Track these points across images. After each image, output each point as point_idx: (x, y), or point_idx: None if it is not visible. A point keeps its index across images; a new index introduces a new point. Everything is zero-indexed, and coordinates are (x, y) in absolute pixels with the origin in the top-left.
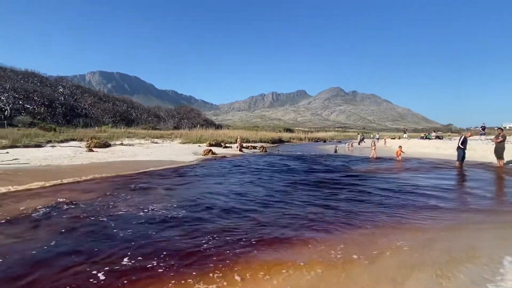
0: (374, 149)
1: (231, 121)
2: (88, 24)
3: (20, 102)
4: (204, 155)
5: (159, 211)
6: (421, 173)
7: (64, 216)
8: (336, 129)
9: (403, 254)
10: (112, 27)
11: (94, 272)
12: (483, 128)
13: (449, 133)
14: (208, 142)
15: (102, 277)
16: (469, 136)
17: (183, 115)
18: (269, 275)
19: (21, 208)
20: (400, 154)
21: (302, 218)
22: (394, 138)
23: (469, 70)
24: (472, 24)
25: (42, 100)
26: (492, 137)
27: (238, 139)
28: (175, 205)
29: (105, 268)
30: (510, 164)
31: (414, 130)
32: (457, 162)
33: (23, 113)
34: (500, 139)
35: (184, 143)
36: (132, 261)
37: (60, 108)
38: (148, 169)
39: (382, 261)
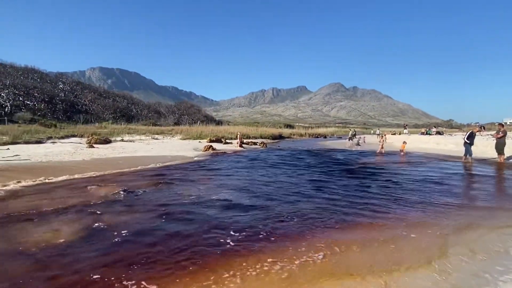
0: (382, 144)
1: (232, 117)
2: (88, 19)
3: (20, 99)
4: (205, 151)
5: (223, 198)
6: (430, 167)
7: (145, 199)
8: (337, 124)
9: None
10: (111, 22)
11: (211, 241)
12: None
13: (444, 128)
14: (208, 138)
15: (229, 242)
16: (477, 131)
17: (183, 111)
18: (356, 249)
19: (103, 193)
20: (404, 148)
21: (361, 204)
22: (394, 134)
23: (471, 65)
24: (472, 18)
25: (42, 97)
26: (493, 132)
27: (238, 135)
28: (230, 193)
29: (218, 239)
30: (510, 160)
31: (415, 126)
32: (464, 157)
33: (23, 109)
34: (501, 134)
35: (184, 139)
36: (238, 234)
37: (61, 105)
38: (149, 166)
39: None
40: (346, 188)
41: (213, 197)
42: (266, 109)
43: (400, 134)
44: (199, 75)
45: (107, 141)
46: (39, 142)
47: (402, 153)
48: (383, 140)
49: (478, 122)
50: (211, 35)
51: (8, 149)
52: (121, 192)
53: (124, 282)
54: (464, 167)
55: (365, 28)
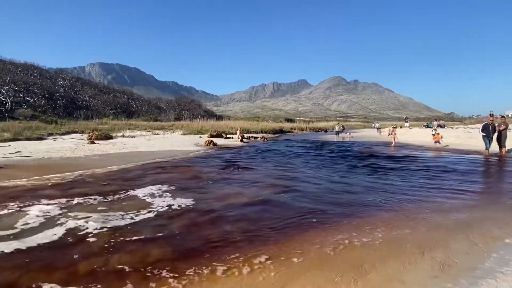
0: (394, 137)
1: (232, 112)
2: (87, 14)
3: (21, 95)
4: (206, 146)
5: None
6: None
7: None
8: (338, 118)
9: None
10: (111, 17)
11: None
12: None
13: (445, 121)
14: (209, 133)
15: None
16: (491, 121)
17: (183, 107)
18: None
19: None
20: (439, 138)
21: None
22: (395, 127)
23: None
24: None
25: (42, 93)
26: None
27: (238, 130)
28: (287, 185)
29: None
30: (511, 152)
31: (416, 119)
32: (486, 151)
33: (24, 106)
34: (503, 127)
35: (185, 134)
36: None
37: (61, 101)
38: (154, 160)
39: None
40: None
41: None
42: (267, 103)
43: (401, 127)
44: (200, 70)
45: (108, 137)
46: (40, 138)
47: (438, 144)
48: (394, 134)
49: (491, 111)
50: (211, 29)
51: (9, 145)
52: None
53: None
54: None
55: (366, 20)
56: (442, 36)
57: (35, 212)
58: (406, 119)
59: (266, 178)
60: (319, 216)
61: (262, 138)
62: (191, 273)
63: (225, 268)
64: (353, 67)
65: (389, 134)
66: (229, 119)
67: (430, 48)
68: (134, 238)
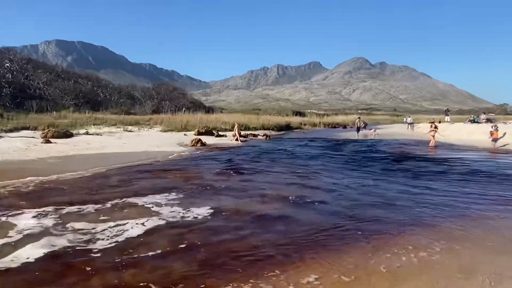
0: (434, 135)
1: (226, 103)
2: None
3: None
4: (192, 145)
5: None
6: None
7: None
8: (360, 111)
9: None
10: None
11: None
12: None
13: (496, 115)
14: (196, 130)
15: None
16: None
17: (163, 96)
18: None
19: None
20: (497, 135)
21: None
22: (433, 122)
23: None
24: None
25: None
26: None
27: (235, 127)
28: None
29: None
30: None
31: (459, 112)
32: None
33: None
34: None
35: (165, 131)
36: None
37: (7, 88)
38: (126, 164)
39: None
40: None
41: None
42: (270, 92)
43: (440, 122)
44: (184, 49)
45: (67, 135)
46: None
47: (493, 143)
48: (434, 131)
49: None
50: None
51: None
52: None
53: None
54: None
55: None
56: (494, 8)
57: (24, 222)
58: (446, 112)
59: (281, 186)
60: (359, 229)
61: (263, 136)
62: None
63: (270, 286)
64: (380, 45)
65: (430, 131)
66: (221, 111)
67: (478, 24)
68: (151, 252)
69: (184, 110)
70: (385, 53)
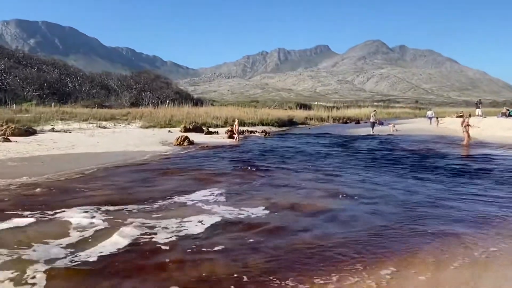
0: (468, 131)
1: (217, 94)
2: None
3: None
4: (178, 144)
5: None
6: None
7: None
8: (375, 103)
9: None
10: None
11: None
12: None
13: None
14: (182, 126)
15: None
16: None
17: (144, 86)
18: None
19: None
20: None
21: None
22: (461, 116)
23: None
24: None
25: None
26: None
27: (235, 124)
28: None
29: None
30: None
31: (492, 104)
32: None
33: None
34: None
35: (146, 127)
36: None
37: None
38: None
39: None
40: None
41: None
42: (270, 80)
43: (470, 116)
44: (168, 31)
45: (30, 132)
46: None
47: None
48: (467, 126)
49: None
50: None
51: None
52: None
53: None
54: None
55: None
56: None
57: (77, 220)
58: (478, 104)
59: (310, 183)
60: (421, 225)
61: (262, 132)
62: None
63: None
64: (399, 26)
65: (464, 127)
66: (212, 104)
67: None
68: (211, 249)
69: (168, 103)
70: (405, 35)
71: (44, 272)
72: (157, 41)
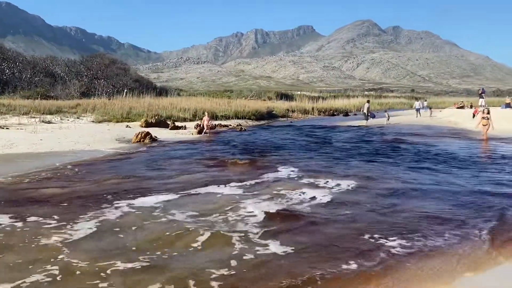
0: (486, 124)
1: (185, 82)
2: None
3: None
4: (137, 141)
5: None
6: None
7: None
8: (367, 92)
9: None
10: None
11: None
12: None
13: None
14: (143, 120)
15: None
16: None
17: (97, 72)
18: None
19: None
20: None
21: None
22: (462, 107)
23: None
24: None
25: None
26: None
27: (204, 117)
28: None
29: None
30: None
31: (496, 93)
32: None
33: None
34: None
35: (100, 121)
36: None
37: None
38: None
39: None
40: None
41: None
42: (245, 66)
43: (471, 106)
44: (125, 7)
45: None
46: None
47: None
48: (486, 120)
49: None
50: None
51: None
52: None
53: None
54: None
55: None
56: None
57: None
58: (480, 93)
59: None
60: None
61: (238, 126)
62: None
63: None
64: (392, 5)
65: (482, 119)
66: (179, 94)
67: None
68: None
69: (126, 92)
70: (399, 15)
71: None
72: (112, 19)
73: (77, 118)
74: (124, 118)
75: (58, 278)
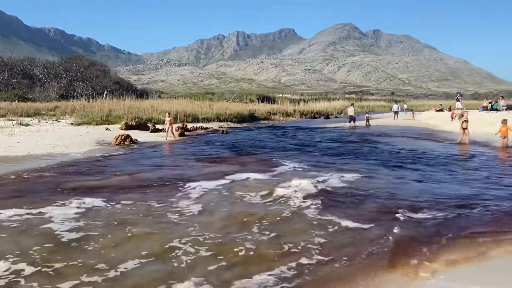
0: (466, 128)
1: (166, 84)
2: None
3: None
4: (117, 144)
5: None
6: None
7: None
8: (347, 95)
9: None
10: None
11: None
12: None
13: None
14: (123, 122)
15: None
16: None
17: (76, 74)
18: None
19: None
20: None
21: None
22: (441, 110)
23: None
24: None
25: None
26: None
27: (167, 117)
28: None
29: None
30: None
31: (473, 96)
32: None
33: None
34: None
35: (79, 124)
36: None
37: None
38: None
39: None
40: None
41: None
42: (228, 69)
43: (450, 109)
44: (105, 8)
45: None
46: None
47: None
48: (466, 123)
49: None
50: None
51: None
52: None
53: None
54: None
55: None
56: None
57: None
58: (458, 97)
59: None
60: None
61: (219, 128)
62: None
63: None
64: (372, 8)
65: (462, 123)
66: (160, 96)
67: None
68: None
69: (106, 95)
70: (379, 19)
71: None
72: (92, 20)
73: (56, 120)
74: (104, 120)
75: None
